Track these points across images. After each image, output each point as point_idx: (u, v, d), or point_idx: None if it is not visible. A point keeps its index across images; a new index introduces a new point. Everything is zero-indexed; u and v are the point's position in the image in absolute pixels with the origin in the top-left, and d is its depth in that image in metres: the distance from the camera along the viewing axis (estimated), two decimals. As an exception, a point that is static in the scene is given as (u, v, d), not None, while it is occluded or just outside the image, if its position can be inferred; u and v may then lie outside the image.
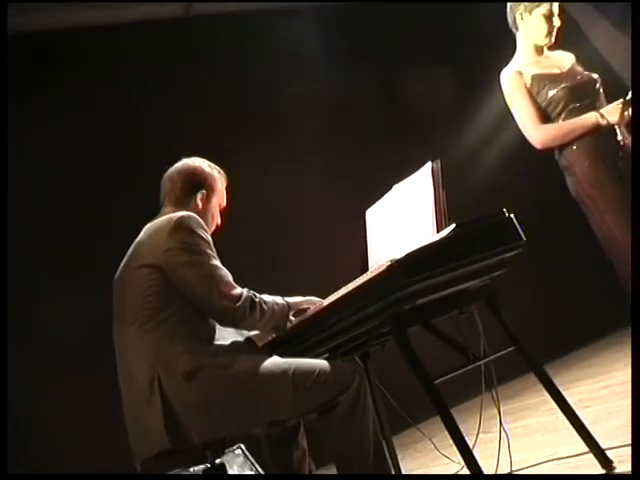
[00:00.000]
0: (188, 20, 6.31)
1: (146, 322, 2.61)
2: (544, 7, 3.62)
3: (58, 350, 5.15)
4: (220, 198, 2.99)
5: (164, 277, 2.62)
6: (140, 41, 5.98)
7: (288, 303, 2.86)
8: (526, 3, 3.63)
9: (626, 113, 3.45)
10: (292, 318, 2.85)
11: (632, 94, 2.74)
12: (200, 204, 2.89)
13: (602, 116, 3.47)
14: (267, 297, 2.80)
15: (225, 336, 2.73)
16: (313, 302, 2.92)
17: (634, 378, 2.37)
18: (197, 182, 2.91)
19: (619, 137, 3.54)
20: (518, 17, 3.67)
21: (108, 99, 5.78)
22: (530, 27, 3.65)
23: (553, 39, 3.67)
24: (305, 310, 2.85)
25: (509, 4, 3.71)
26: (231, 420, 2.53)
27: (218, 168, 3.02)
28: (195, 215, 2.74)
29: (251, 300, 2.68)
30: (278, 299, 2.83)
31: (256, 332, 2.92)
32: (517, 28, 3.71)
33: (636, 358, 2.34)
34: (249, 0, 6.27)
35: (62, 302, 5.18)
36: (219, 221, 3.00)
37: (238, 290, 2.67)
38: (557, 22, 3.66)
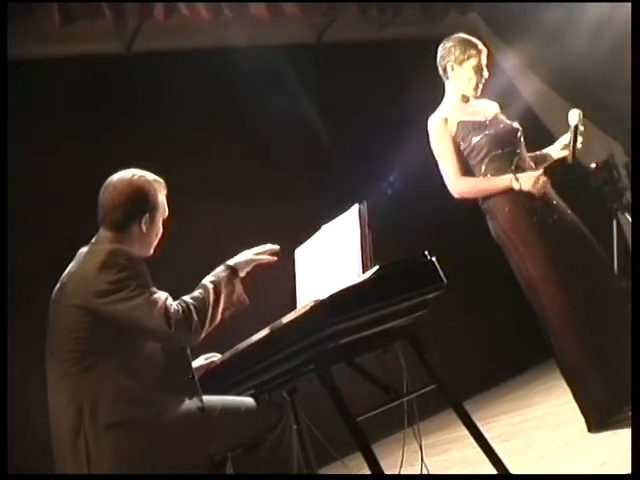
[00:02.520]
0: (128, 57, 6.27)
1: (76, 364, 2.46)
2: (474, 60, 3.68)
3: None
4: (163, 212, 2.71)
5: (95, 320, 2.46)
6: (83, 76, 5.93)
7: (213, 281, 2.61)
8: (457, 54, 3.69)
9: (541, 181, 3.52)
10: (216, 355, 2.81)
11: (632, 94, 2.77)
12: (144, 228, 2.61)
13: (517, 179, 3.54)
14: (194, 299, 2.53)
15: (165, 374, 2.56)
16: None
17: (634, 378, 2.47)
18: (140, 205, 2.60)
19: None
20: (449, 67, 3.72)
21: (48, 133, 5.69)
22: (460, 78, 3.71)
23: (480, 91, 3.75)
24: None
25: (440, 53, 3.76)
26: (156, 468, 2.42)
27: (159, 179, 2.71)
28: (125, 249, 2.54)
29: (184, 313, 2.46)
30: (205, 291, 2.57)
31: (193, 364, 2.87)
32: (447, 77, 3.77)
33: (636, 359, 2.42)
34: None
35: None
36: (161, 229, 2.74)
37: (171, 311, 2.45)
38: (486, 74, 3.74)
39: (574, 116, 3.72)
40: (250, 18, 6.17)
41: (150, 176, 2.69)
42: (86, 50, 5.95)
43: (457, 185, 3.65)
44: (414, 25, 7.26)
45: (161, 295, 2.49)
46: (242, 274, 2.71)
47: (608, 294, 3.61)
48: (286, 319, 2.49)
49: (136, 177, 2.64)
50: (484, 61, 3.72)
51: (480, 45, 3.73)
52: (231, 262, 2.71)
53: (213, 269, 2.72)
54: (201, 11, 5.84)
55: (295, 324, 2.44)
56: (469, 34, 3.81)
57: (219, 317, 2.58)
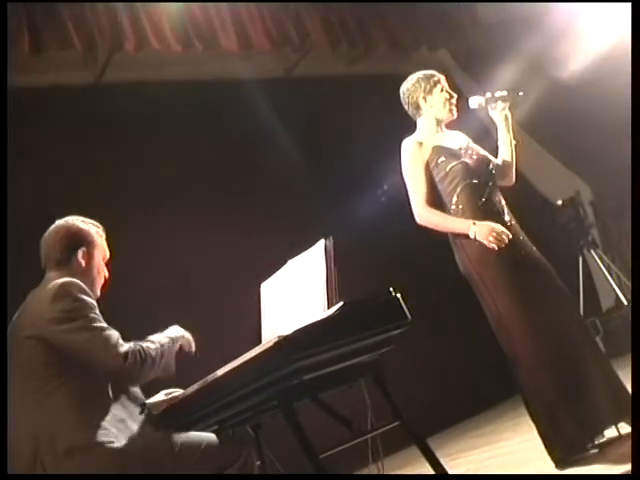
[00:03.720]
0: (99, 88, 6.28)
1: (36, 391, 2.55)
2: (439, 85, 3.77)
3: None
4: (102, 251, 2.89)
5: (50, 348, 2.56)
6: (50, 106, 5.92)
7: (172, 338, 2.82)
8: (424, 85, 3.75)
9: (495, 234, 3.51)
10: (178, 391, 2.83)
11: (632, 94, 2.81)
12: (83, 262, 2.80)
13: (475, 224, 3.56)
14: (150, 342, 2.72)
15: (119, 405, 2.65)
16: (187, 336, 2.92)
17: (634, 380, 2.51)
18: (75, 240, 2.81)
19: (506, 217, 3.66)
20: (421, 101, 3.76)
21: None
22: (435, 105, 3.76)
23: (456, 113, 3.80)
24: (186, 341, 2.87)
25: (407, 93, 3.80)
26: None
27: (94, 222, 2.93)
28: (77, 281, 2.67)
29: (139, 354, 2.61)
30: (161, 339, 2.78)
31: (154, 399, 2.87)
32: (420, 112, 3.80)
33: (636, 361, 2.46)
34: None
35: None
36: (106, 273, 2.92)
37: (125, 348, 2.60)
38: (454, 94, 3.80)
39: (474, 102, 3.79)
40: (220, 51, 6.20)
41: (86, 220, 2.91)
42: (56, 80, 5.96)
43: (422, 214, 3.67)
44: (385, 61, 7.35)
45: (114, 332, 2.63)
46: (176, 346, 2.85)
47: (575, 330, 3.63)
48: (250, 354, 2.48)
49: (71, 221, 2.87)
50: (446, 84, 3.80)
51: (435, 72, 3.84)
52: (171, 334, 2.87)
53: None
54: (171, 44, 5.87)
55: (259, 360, 2.44)
56: (438, 71, 3.88)
57: (159, 370, 2.72)
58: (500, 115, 3.83)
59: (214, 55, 6.36)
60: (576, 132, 7.23)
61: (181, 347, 2.88)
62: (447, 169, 3.66)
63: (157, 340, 2.75)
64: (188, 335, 2.93)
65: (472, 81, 7.15)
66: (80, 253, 2.80)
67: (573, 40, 6.58)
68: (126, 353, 2.58)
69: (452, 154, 3.69)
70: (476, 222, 3.54)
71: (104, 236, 2.92)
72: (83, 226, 2.86)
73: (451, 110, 3.78)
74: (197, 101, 6.48)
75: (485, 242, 3.50)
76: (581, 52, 6.55)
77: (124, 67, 6.23)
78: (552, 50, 6.89)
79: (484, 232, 3.51)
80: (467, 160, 3.68)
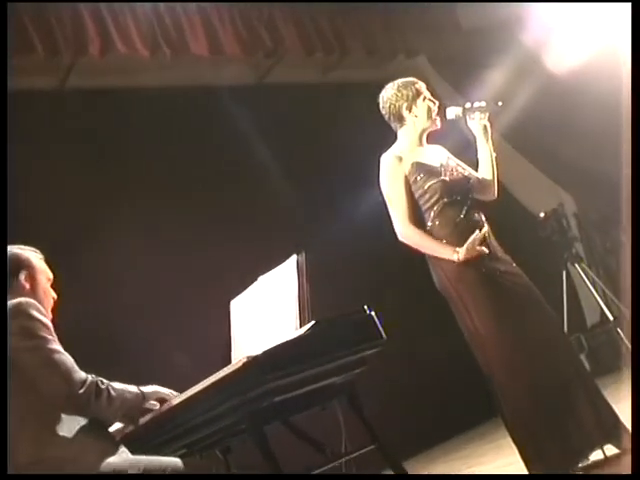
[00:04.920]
0: (63, 94, 6.25)
1: None
2: (422, 94, 3.77)
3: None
4: (44, 273, 2.96)
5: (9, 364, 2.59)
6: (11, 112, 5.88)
7: (143, 392, 2.82)
8: (407, 94, 3.75)
9: (476, 247, 3.55)
10: (155, 403, 2.81)
11: (632, 95, 2.84)
12: (27, 285, 2.87)
13: (457, 252, 3.55)
14: (118, 384, 2.75)
15: (77, 426, 2.65)
16: (169, 393, 2.89)
17: (634, 380, 2.54)
18: (14, 266, 2.89)
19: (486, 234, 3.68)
20: (404, 111, 3.76)
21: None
22: (419, 115, 3.75)
23: (439, 122, 3.81)
24: (163, 400, 2.82)
25: (388, 102, 3.80)
26: None
27: (30, 247, 3.00)
28: (32, 300, 2.73)
29: (97, 386, 2.63)
30: (131, 387, 2.79)
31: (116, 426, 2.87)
32: (403, 123, 3.80)
33: (636, 361, 2.52)
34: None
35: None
36: (54, 295, 2.97)
37: (82, 375, 2.63)
38: (437, 102, 3.81)
39: (451, 113, 3.81)
40: (190, 57, 6.19)
41: (23, 247, 2.99)
42: (18, 86, 5.92)
43: (405, 232, 3.67)
44: (361, 69, 7.37)
45: (69, 357, 2.67)
46: (147, 404, 2.85)
47: (557, 349, 3.65)
48: (217, 376, 2.48)
49: (9, 249, 2.95)
50: (428, 92, 3.81)
51: (415, 79, 3.84)
52: (145, 389, 2.87)
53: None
54: (139, 49, 5.85)
55: (227, 381, 2.44)
56: (416, 78, 3.90)
57: (117, 415, 2.75)
58: (479, 126, 3.83)
59: (184, 61, 6.34)
60: (560, 142, 7.28)
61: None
62: (425, 187, 3.67)
63: (125, 386, 2.76)
64: (167, 393, 2.90)
65: (452, 90, 7.18)
66: (22, 276, 2.88)
67: (558, 45, 6.64)
68: (82, 381, 2.60)
69: (431, 171, 3.70)
70: (458, 249, 3.55)
71: (42, 258, 3.00)
72: (21, 252, 2.95)
73: (435, 120, 3.79)
74: (165, 109, 6.46)
75: (469, 257, 3.51)
76: (567, 59, 6.61)
77: (90, 72, 6.20)
78: (536, 57, 6.95)
79: (464, 252, 3.53)
80: (446, 178, 3.70)
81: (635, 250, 2.81)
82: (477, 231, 3.59)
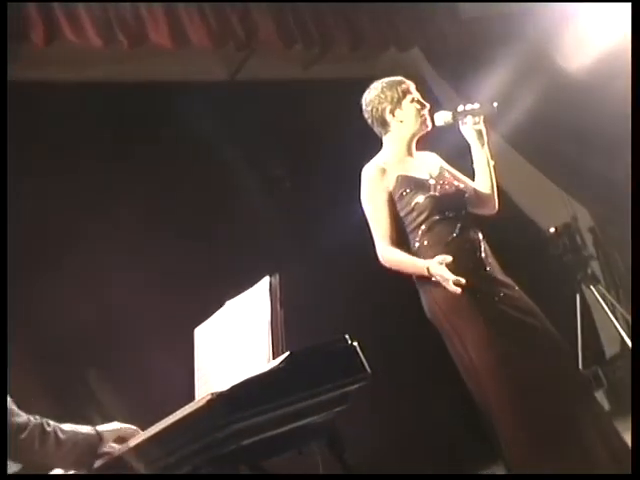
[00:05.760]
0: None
1: None
2: (409, 95, 3.80)
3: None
4: None
5: None
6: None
7: (99, 433, 2.78)
8: (391, 95, 3.78)
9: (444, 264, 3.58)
10: (114, 445, 2.79)
11: (632, 95, 2.87)
12: None
13: (429, 270, 3.60)
14: (68, 426, 2.72)
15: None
16: (132, 431, 2.88)
17: (634, 380, 2.69)
18: None
19: (482, 254, 3.70)
20: (388, 115, 3.79)
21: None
22: (405, 119, 3.81)
23: (430, 124, 3.82)
24: (123, 440, 2.80)
25: (370, 105, 3.83)
26: None
27: None
28: None
29: (41, 429, 2.60)
30: (84, 428, 2.76)
31: (105, 427, 2.84)
32: (388, 128, 3.83)
33: (636, 362, 2.65)
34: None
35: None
36: None
37: (22, 418, 2.59)
38: (427, 104, 3.83)
39: (440, 119, 3.83)
40: (150, 48, 6.19)
41: None
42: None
43: (385, 254, 3.71)
44: (346, 63, 7.39)
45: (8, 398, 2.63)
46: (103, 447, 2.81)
47: (567, 385, 3.67)
48: (178, 415, 2.49)
49: None
50: (418, 95, 3.83)
51: (403, 78, 3.86)
52: (100, 428, 2.84)
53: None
54: (90, 37, 5.83)
55: (189, 421, 2.44)
56: (409, 74, 3.92)
57: (67, 461, 2.71)
58: (472, 132, 3.85)
59: (143, 53, 6.34)
60: (572, 147, 7.31)
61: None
62: (412, 204, 3.69)
63: (76, 427, 2.72)
64: (128, 432, 2.88)
65: (450, 87, 7.22)
66: None
67: (568, 38, 6.69)
68: (24, 425, 2.57)
69: (419, 185, 3.72)
70: (430, 265, 3.57)
71: None
72: None
73: (424, 122, 3.81)
74: (121, 107, 6.45)
75: (446, 285, 3.54)
76: (579, 52, 6.65)
77: (33, 63, 6.19)
78: (544, 51, 6.99)
79: (440, 270, 3.55)
80: (436, 193, 3.71)
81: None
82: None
